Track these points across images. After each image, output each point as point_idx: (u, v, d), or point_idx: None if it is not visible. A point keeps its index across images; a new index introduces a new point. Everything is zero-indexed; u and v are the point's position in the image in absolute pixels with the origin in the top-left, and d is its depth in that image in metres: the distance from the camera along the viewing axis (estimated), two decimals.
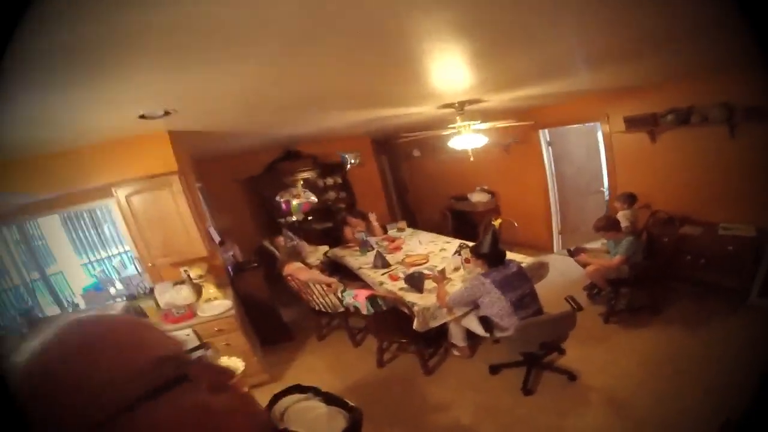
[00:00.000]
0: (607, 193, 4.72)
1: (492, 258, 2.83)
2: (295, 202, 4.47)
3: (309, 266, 4.07)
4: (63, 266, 4.80)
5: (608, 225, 3.47)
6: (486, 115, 3.37)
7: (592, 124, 4.53)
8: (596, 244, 3.88)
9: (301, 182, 5.31)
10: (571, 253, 3.90)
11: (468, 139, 3.34)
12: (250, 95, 2.08)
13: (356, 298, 3.12)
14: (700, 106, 3.40)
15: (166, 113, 2.16)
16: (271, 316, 4.09)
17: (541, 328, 2.69)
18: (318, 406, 1.36)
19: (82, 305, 4.02)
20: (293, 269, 3.77)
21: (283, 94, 2.18)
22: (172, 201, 3.11)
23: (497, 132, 4.12)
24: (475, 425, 2.67)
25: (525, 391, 2.83)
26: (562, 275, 4.39)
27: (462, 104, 3.08)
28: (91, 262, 5.30)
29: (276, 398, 1.37)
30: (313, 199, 4.70)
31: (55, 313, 3.99)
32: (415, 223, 6.08)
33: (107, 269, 5.26)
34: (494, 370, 3.11)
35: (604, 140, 4.45)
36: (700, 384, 2.59)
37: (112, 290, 4.32)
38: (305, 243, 4.64)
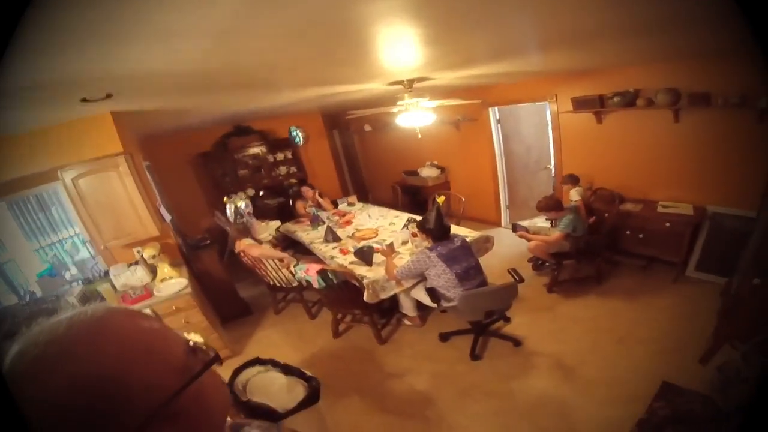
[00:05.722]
0: (553, 170, 5.02)
1: (436, 233, 3.06)
2: (241, 204, 4.48)
3: (260, 242, 4.21)
4: (14, 254, 4.71)
5: (549, 205, 3.77)
6: (435, 93, 3.47)
7: (541, 103, 4.76)
8: (542, 219, 4.16)
9: (251, 158, 5.61)
10: (514, 229, 4.18)
11: (415, 116, 3.48)
12: (194, 73, 2.03)
13: (308, 272, 3.29)
14: (646, 90, 3.67)
15: (108, 96, 2.19)
16: (228, 292, 4.31)
17: (484, 298, 2.98)
18: (278, 377, 1.56)
19: (39, 292, 3.96)
20: (245, 245, 3.90)
21: (227, 71, 2.17)
22: (120, 182, 3.22)
23: (447, 109, 4.27)
24: (430, 391, 2.92)
25: (473, 356, 3.16)
26: (509, 248, 4.73)
27: (410, 82, 3.19)
28: (42, 248, 5.21)
29: (237, 372, 1.56)
30: (250, 209, 4.61)
31: (12, 302, 3.92)
32: (367, 198, 6.27)
33: (60, 254, 5.21)
34: (444, 338, 3.43)
35: (551, 120, 4.70)
36: (643, 347, 2.93)
37: (68, 275, 4.28)
38: (255, 219, 4.71)
